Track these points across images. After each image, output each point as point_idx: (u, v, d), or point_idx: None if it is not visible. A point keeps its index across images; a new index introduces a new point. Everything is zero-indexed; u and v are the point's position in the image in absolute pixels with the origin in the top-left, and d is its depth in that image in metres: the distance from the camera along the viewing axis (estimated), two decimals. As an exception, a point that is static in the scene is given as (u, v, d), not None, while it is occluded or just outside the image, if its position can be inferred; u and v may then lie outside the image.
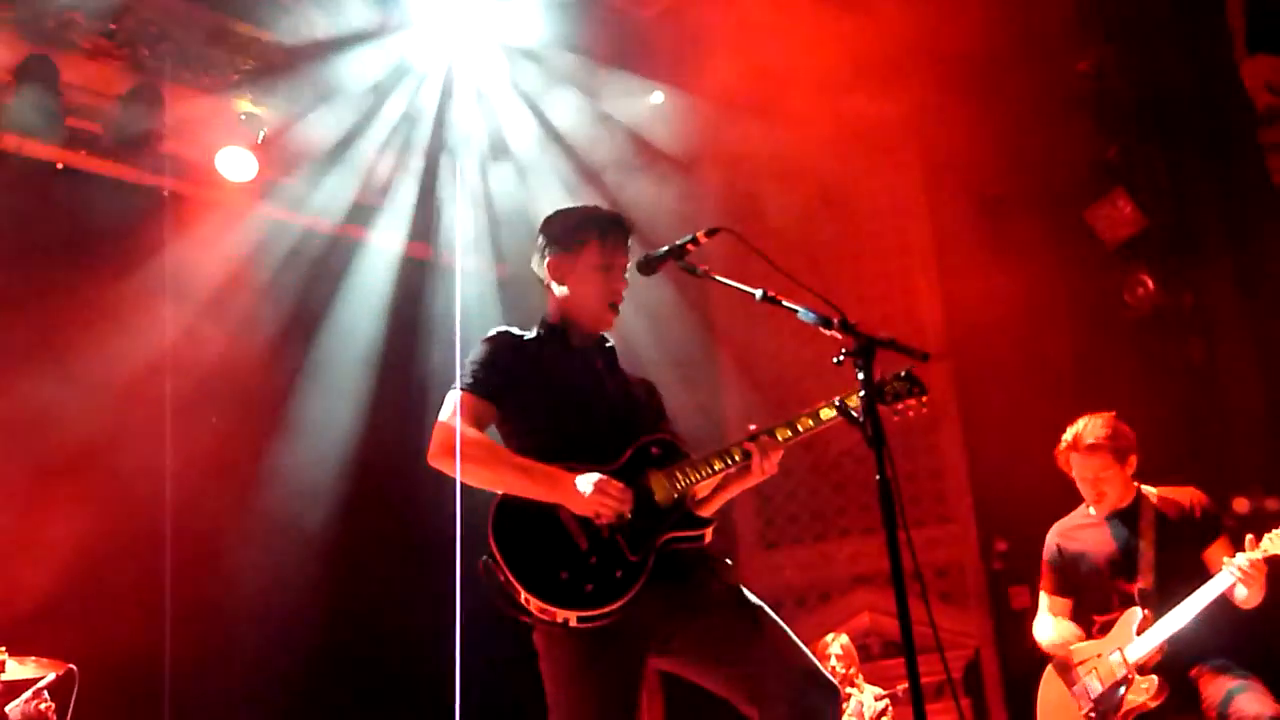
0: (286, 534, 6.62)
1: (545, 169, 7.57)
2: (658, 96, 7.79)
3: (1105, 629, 4.47)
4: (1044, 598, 4.72)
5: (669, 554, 3.12)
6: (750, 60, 6.73)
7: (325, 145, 7.10)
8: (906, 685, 2.69)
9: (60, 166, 6.54)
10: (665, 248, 3.23)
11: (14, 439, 5.77)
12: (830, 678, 3.13)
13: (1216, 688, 4.22)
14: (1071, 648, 4.52)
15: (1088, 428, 4.51)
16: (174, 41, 6.48)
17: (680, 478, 3.18)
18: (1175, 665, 4.29)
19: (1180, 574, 4.34)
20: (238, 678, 6.36)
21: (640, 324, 7.36)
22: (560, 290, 3.38)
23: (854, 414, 3.03)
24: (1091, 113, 7.31)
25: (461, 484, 3.17)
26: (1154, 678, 4.27)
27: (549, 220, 3.48)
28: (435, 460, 3.17)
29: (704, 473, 3.19)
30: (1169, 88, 7.21)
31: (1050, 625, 4.64)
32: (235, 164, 6.82)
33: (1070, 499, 4.72)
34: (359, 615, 6.84)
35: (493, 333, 3.36)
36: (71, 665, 4.65)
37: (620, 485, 3.07)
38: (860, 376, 2.83)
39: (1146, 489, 4.57)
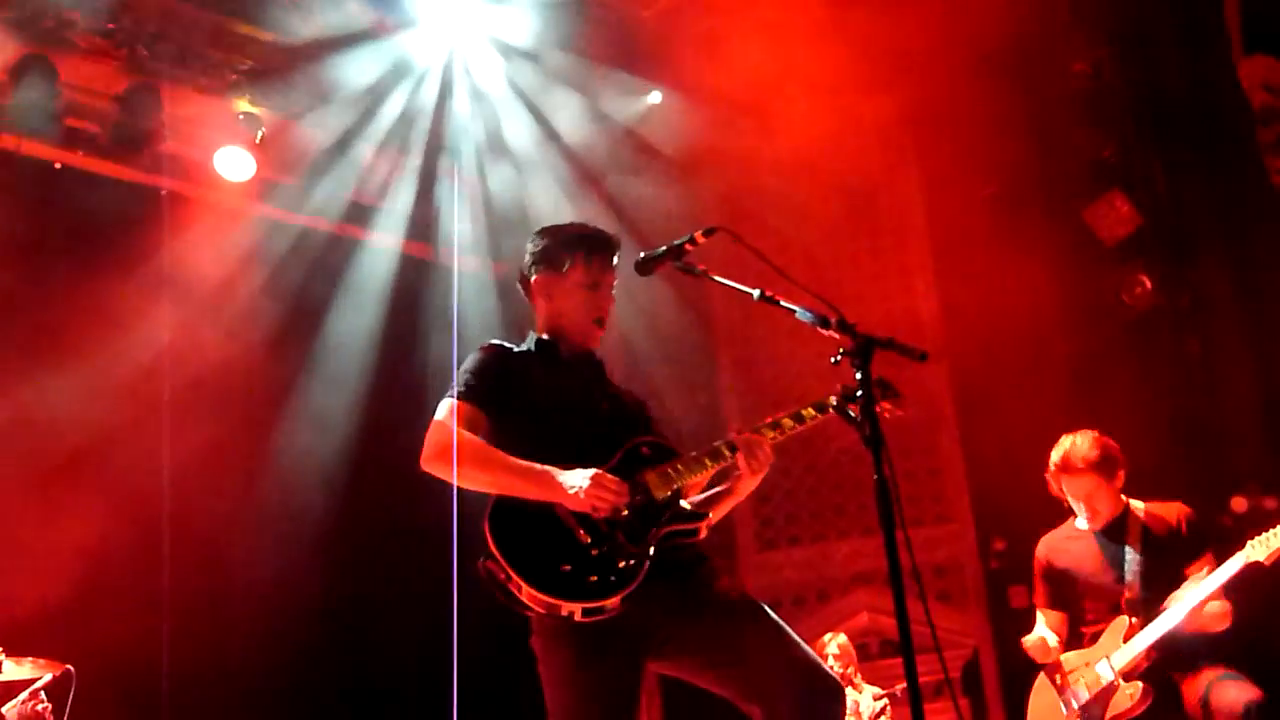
0: (285, 534, 6.62)
1: (543, 169, 7.58)
2: (656, 96, 7.79)
3: (1095, 639, 4.51)
4: (1039, 614, 4.75)
5: (668, 553, 3.13)
6: (749, 60, 6.73)
7: (323, 145, 7.11)
8: (905, 685, 2.69)
9: (58, 166, 6.54)
10: (663, 248, 3.25)
11: (11, 438, 5.77)
12: (834, 675, 3.15)
13: (1197, 684, 4.28)
14: (1061, 656, 4.56)
15: (1075, 449, 4.52)
16: (172, 41, 6.48)
17: (673, 474, 3.20)
18: (1159, 670, 4.34)
19: (1165, 587, 4.38)
20: (235, 678, 6.35)
21: (639, 324, 7.36)
22: (548, 306, 3.44)
23: (851, 414, 3.04)
24: (1089, 112, 7.32)
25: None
26: (1139, 684, 4.32)
27: (536, 238, 3.52)
28: (429, 464, 3.19)
29: (696, 469, 3.22)
30: (1166, 88, 7.21)
31: (1045, 637, 4.67)
32: (233, 163, 6.82)
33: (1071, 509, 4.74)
34: (357, 615, 6.84)
35: (485, 345, 3.41)
36: (69, 666, 4.64)
37: (616, 479, 3.09)
38: (858, 376, 2.84)
39: (1134, 503, 4.60)
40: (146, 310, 6.38)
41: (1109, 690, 4.36)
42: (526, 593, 2.97)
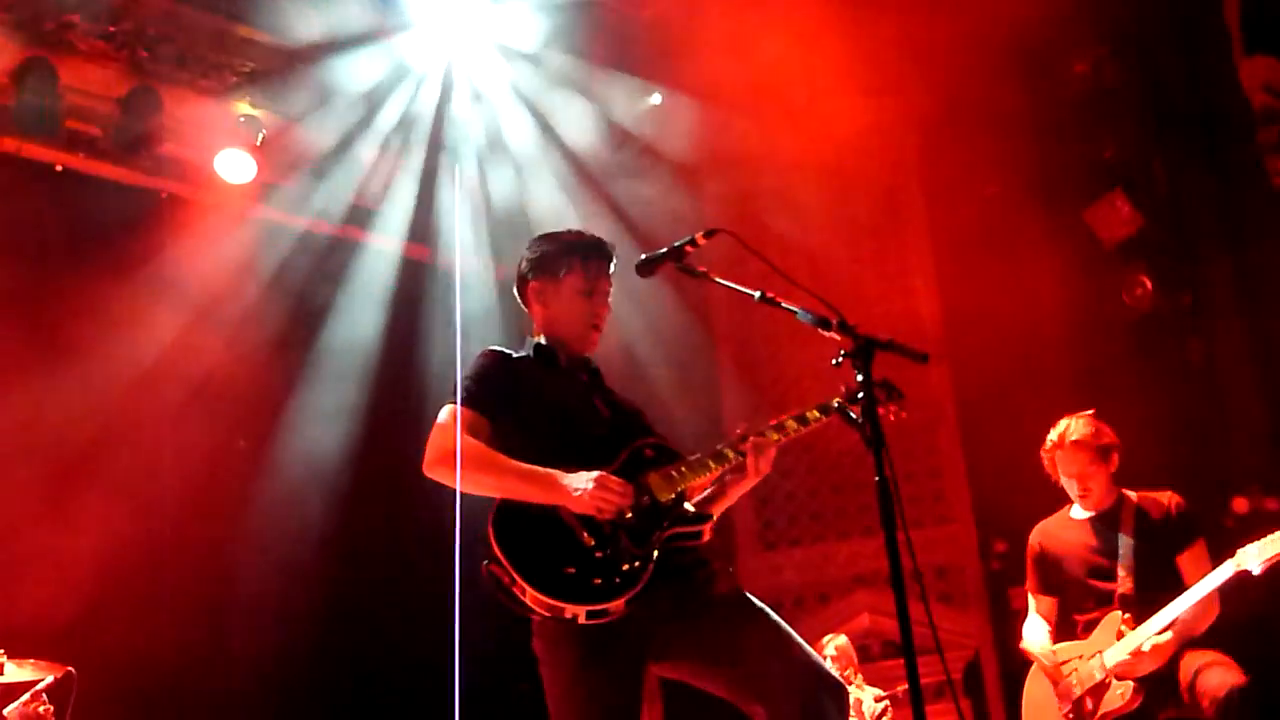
0: (286, 536, 6.62)
1: (544, 170, 7.58)
2: (656, 97, 7.80)
3: (1089, 628, 4.53)
4: (1030, 599, 4.78)
5: (671, 555, 3.13)
6: (749, 61, 6.73)
7: (324, 147, 7.11)
8: (906, 686, 2.69)
9: (59, 168, 6.55)
10: (664, 249, 3.25)
11: (12, 441, 5.77)
12: (838, 677, 3.17)
13: (1185, 667, 4.28)
14: (1055, 648, 4.58)
15: (1071, 426, 4.61)
16: (173, 44, 6.49)
17: (677, 476, 3.21)
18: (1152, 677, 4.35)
19: (1158, 576, 4.42)
20: (237, 681, 6.35)
21: (639, 325, 7.36)
22: (545, 312, 3.46)
23: (852, 415, 3.04)
24: (1090, 114, 7.32)
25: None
26: (1129, 683, 4.33)
27: (532, 244, 3.54)
28: (431, 470, 3.20)
29: (699, 472, 3.23)
30: (1167, 88, 7.22)
31: (1036, 629, 4.70)
32: (234, 166, 6.82)
33: (1068, 499, 4.75)
34: (360, 618, 6.84)
35: (486, 350, 3.41)
36: (70, 668, 4.64)
37: (620, 480, 3.10)
38: (859, 378, 2.84)
39: (1127, 491, 4.63)
40: (147, 313, 6.38)
41: (1100, 687, 4.40)
42: (530, 596, 2.97)
